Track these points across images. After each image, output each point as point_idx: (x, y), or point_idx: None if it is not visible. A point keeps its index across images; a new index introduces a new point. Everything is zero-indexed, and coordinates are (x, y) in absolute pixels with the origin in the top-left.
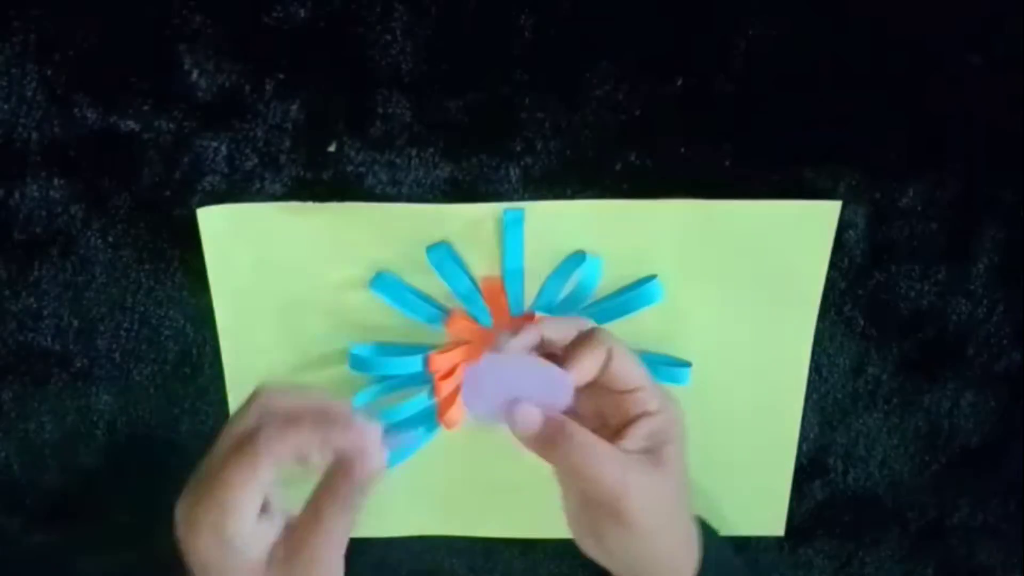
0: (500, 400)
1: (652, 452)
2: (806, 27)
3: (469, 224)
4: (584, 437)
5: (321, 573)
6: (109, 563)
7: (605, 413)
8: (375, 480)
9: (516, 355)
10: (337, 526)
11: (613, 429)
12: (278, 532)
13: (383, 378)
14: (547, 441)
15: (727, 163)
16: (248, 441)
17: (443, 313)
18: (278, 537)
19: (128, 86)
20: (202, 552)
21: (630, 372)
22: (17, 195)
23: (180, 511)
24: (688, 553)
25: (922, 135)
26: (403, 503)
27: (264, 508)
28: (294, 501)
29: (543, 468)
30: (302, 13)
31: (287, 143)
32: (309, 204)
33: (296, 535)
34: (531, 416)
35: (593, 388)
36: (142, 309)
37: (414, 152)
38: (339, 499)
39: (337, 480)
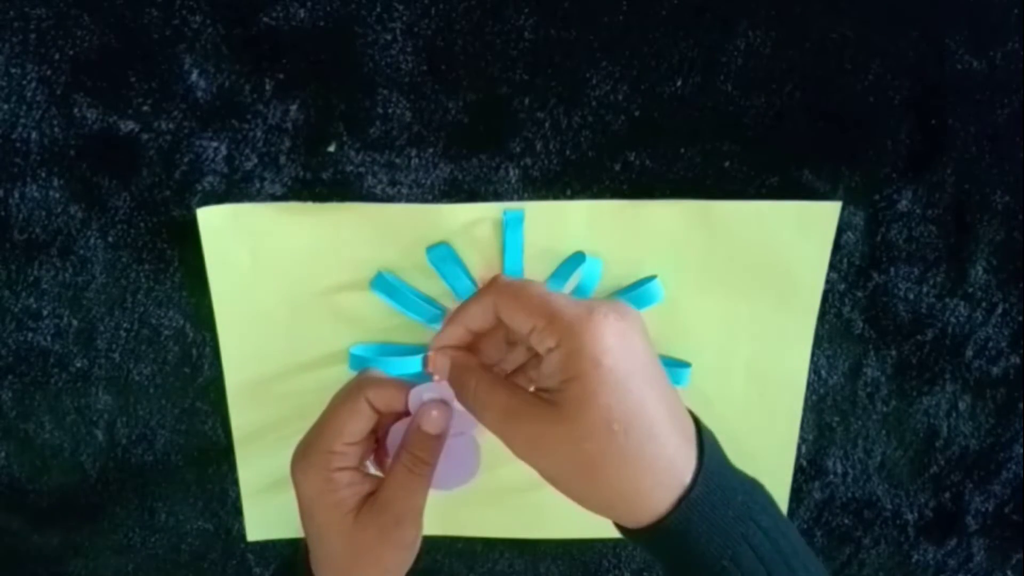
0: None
1: (556, 392)
2: (805, 28)
3: (469, 224)
4: (471, 377)
5: (402, 531)
6: (109, 564)
7: (524, 358)
8: (439, 443)
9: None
10: (411, 488)
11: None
12: (369, 489)
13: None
14: (454, 382)
15: (727, 163)
16: (353, 385)
17: (443, 313)
18: (367, 493)
19: (128, 86)
20: (310, 485)
21: (517, 318)
22: (17, 195)
23: (294, 455)
24: (640, 496)
25: (921, 138)
26: None
27: (361, 465)
28: None
29: None
30: (302, 13)
31: (287, 143)
32: (309, 204)
33: (380, 498)
34: (441, 362)
35: (506, 335)
36: (142, 309)
37: (414, 152)
38: (411, 464)
39: (409, 445)
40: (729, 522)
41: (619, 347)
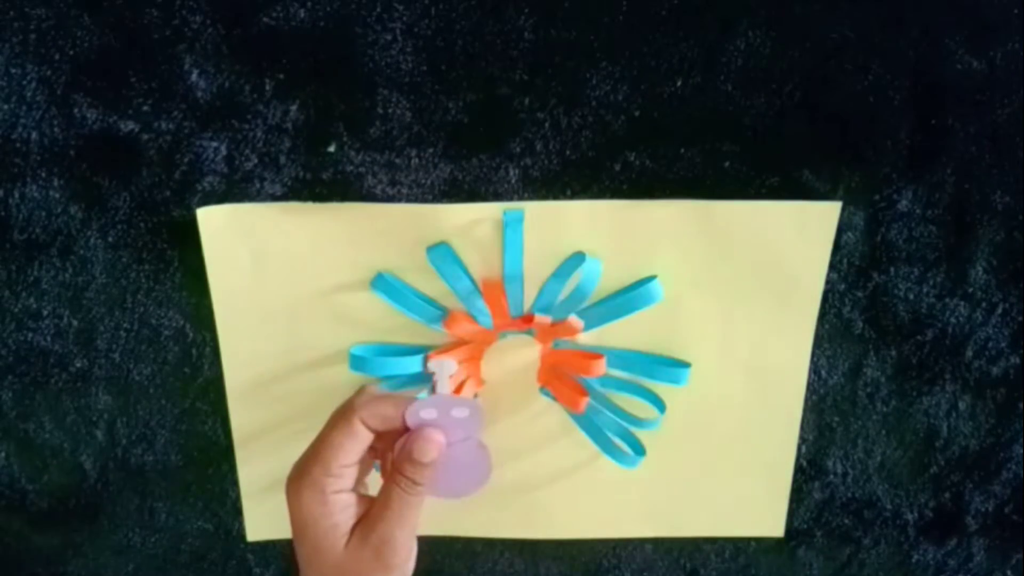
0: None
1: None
2: (805, 28)
3: (469, 224)
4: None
5: (394, 552)
6: (109, 564)
7: None
8: (432, 468)
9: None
10: (404, 510)
11: None
12: (364, 511)
13: (383, 378)
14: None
15: (727, 163)
16: (347, 406)
17: (443, 313)
18: (362, 516)
19: (128, 86)
20: (305, 508)
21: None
22: (17, 195)
23: (290, 476)
24: None
25: (921, 138)
26: None
27: (357, 488)
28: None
29: (542, 469)
30: (302, 13)
31: (287, 143)
32: (309, 204)
33: (370, 518)
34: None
35: None
36: (142, 309)
37: (414, 152)
38: (404, 486)
39: (402, 469)
40: None
41: None
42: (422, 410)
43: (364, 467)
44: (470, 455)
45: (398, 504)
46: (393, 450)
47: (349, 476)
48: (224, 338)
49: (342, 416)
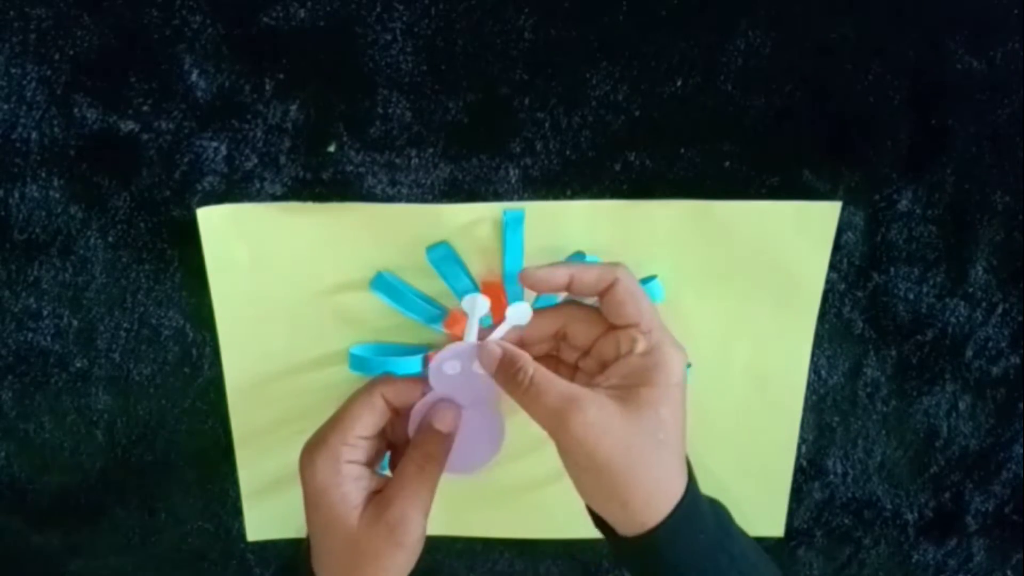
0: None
1: (624, 390)
2: (805, 28)
3: (469, 224)
4: (527, 365)
5: (407, 530)
6: (109, 564)
7: (600, 347)
8: (450, 440)
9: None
10: (420, 488)
11: (602, 364)
12: (376, 487)
13: None
14: (505, 369)
15: (727, 163)
16: (369, 383)
17: (443, 313)
18: (374, 491)
19: (128, 86)
20: (318, 474)
21: (627, 308)
22: (17, 195)
23: (305, 447)
24: (652, 500)
25: (921, 138)
26: None
27: (370, 463)
28: None
29: (542, 469)
30: (302, 13)
31: (287, 143)
32: (309, 204)
33: (386, 495)
34: (494, 352)
35: (592, 321)
36: (142, 309)
37: (414, 152)
38: (421, 462)
39: (420, 442)
40: (711, 530)
41: (685, 375)
42: (445, 363)
43: (378, 449)
44: (485, 420)
45: (414, 481)
46: (403, 435)
47: (363, 449)
48: (224, 338)
49: (364, 390)
